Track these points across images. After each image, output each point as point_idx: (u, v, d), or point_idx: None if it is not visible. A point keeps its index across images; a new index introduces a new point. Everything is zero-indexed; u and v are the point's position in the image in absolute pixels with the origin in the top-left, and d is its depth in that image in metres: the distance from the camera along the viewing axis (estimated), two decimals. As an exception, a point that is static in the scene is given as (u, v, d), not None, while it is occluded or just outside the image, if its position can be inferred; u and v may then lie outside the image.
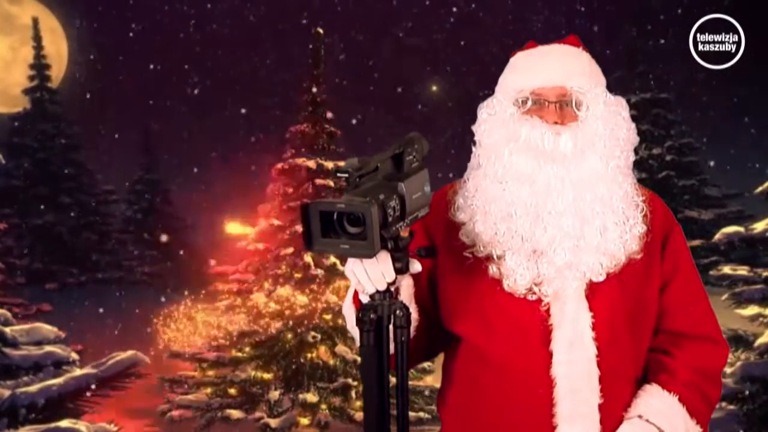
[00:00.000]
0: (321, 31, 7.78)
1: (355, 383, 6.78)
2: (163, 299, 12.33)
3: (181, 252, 15.88)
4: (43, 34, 15.88)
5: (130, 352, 3.54)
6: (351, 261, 1.52)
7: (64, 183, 15.31)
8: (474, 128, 1.76)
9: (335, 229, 1.43)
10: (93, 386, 3.42)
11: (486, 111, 1.74)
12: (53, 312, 8.11)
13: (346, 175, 1.44)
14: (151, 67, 20.18)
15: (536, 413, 1.64)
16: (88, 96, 18.74)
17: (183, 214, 17.00)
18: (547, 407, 1.64)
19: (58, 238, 14.65)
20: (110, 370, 3.40)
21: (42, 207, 14.92)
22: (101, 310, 11.92)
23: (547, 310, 1.65)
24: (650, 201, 1.73)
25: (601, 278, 1.65)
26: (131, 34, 20.83)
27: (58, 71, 17.05)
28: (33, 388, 3.34)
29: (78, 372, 3.46)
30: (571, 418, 1.63)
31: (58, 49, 17.88)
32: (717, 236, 5.19)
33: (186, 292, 11.67)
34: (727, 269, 5.09)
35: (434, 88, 22.78)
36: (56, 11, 18.18)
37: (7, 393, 3.27)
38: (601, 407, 1.64)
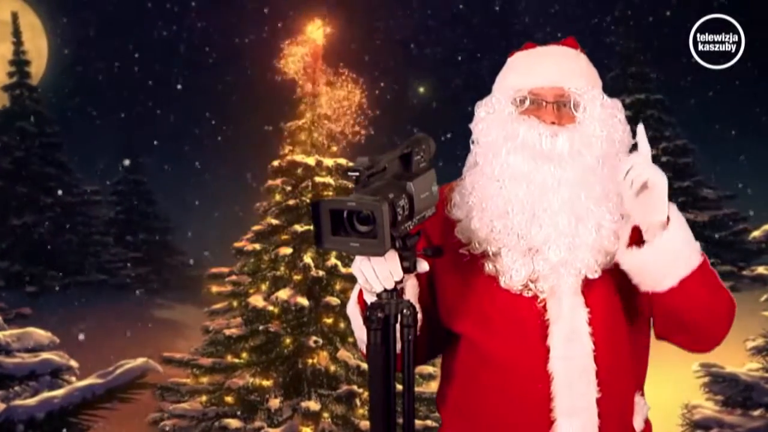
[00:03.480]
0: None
1: (360, 390, 6.50)
2: (150, 302, 12.01)
3: (167, 254, 15.57)
4: (22, 30, 15.47)
5: (140, 360, 3.19)
6: (359, 259, 1.54)
7: (45, 182, 14.89)
8: (471, 126, 1.78)
9: (345, 227, 1.45)
10: (99, 398, 3.06)
11: (484, 109, 1.76)
12: (34, 316, 7.80)
13: (357, 173, 1.46)
14: (135, 64, 19.80)
15: (535, 408, 1.67)
16: (69, 94, 18.33)
17: (168, 215, 16.67)
18: (546, 402, 1.66)
19: (39, 240, 14.25)
20: (118, 380, 3.05)
21: (21, 207, 14.52)
22: (85, 315, 11.55)
23: (544, 306, 1.68)
24: None
25: (597, 275, 1.67)
26: (114, 31, 20.41)
27: (38, 68, 16.64)
28: (31, 400, 2.97)
29: (82, 382, 3.10)
30: (569, 413, 1.65)
31: (37, 45, 17.45)
32: (756, 233, 4.95)
33: (176, 295, 11.38)
34: (761, 269, 4.85)
35: (421, 89, 22.54)
36: (36, 7, 17.75)
37: (1, 406, 2.90)
38: (598, 401, 1.67)
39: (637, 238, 1.66)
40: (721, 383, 4.36)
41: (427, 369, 6.77)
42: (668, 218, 1.62)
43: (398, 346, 1.54)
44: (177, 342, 10.55)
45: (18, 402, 2.97)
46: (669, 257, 1.61)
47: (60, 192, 14.85)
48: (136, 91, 19.73)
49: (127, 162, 16.77)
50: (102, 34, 20.47)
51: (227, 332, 6.86)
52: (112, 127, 17.93)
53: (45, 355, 3.35)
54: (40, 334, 3.62)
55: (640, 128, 1.65)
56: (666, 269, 1.62)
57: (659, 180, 1.59)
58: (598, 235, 1.66)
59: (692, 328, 1.70)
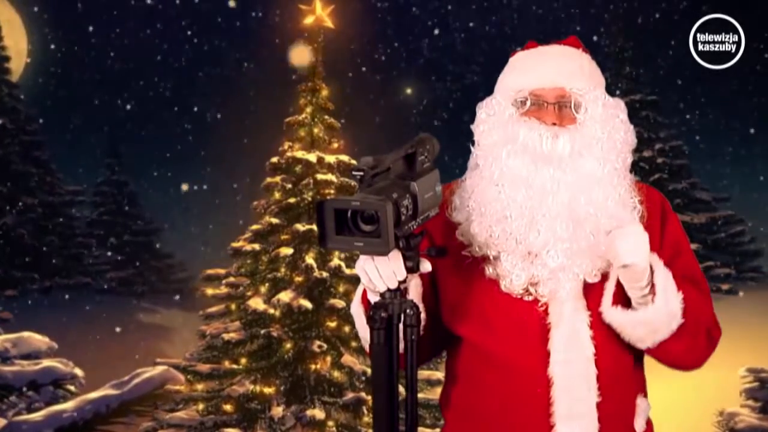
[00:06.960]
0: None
1: (367, 397, 6.21)
2: (135, 306, 11.70)
3: (152, 256, 15.27)
4: (1, 25, 15.09)
5: (159, 369, 2.87)
6: (362, 259, 1.55)
7: (26, 182, 14.54)
8: (473, 128, 1.78)
9: (349, 227, 1.46)
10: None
11: (485, 111, 1.76)
12: (14, 321, 7.51)
13: (361, 173, 1.47)
14: (118, 62, 19.41)
15: (534, 412, 1.68)
16: (49, 91, 17.92)
17: (153, 216, 16.34)
18: (545, 406, 1.67)
19: (20, 241, 13.87)
20: (136, 391, 2.72)
21: (1, 208, 14.14)
22: (67, 319, 11.17)
23: (545, 310, 1.69)
24: (647, 198, 1.74)
25: (596, 279, 1.68)
26: (95, 28, 19.98)
27: (17, 65, 16.26)
28: (37, 415, 2.61)
29: (94, 394, 2.75)
30: (568, 418, 1.66)
31: (16, 42, 17.02)
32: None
33: (161, 299, 11.13)
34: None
35: (409, 91, 22.36)
36: (15, 3, 17.31)
37: (2, 422, 2.53)
38: (599, 405, 1.67)
39: (621, 292, 1.67)
40: (769, 389, 4.15)
41: (435, 375, 6.53)
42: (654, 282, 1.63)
43: (401, 345, 1.55)
44: (165, 347, 10.26)
45: (21, 417, 2.60)
46: (649, 327, 1.65)
47: (42, 192, 14.50)
48: (120, 88, 19.36)
49: (110, 161, 16.40)
50: (83, 31, 20.03)
51: (225, 337, 6.54)
52: (95, 125, 17.55)
53: (46, 363, 2.99)
54: (38, 340, 3.27)
55: (619, 210, 1.66)
56: (645, 336, 1.67)
57: (635, 263, 1.60)
58: (596, 240, 1.66)
59: (673, 364, 1.77)
